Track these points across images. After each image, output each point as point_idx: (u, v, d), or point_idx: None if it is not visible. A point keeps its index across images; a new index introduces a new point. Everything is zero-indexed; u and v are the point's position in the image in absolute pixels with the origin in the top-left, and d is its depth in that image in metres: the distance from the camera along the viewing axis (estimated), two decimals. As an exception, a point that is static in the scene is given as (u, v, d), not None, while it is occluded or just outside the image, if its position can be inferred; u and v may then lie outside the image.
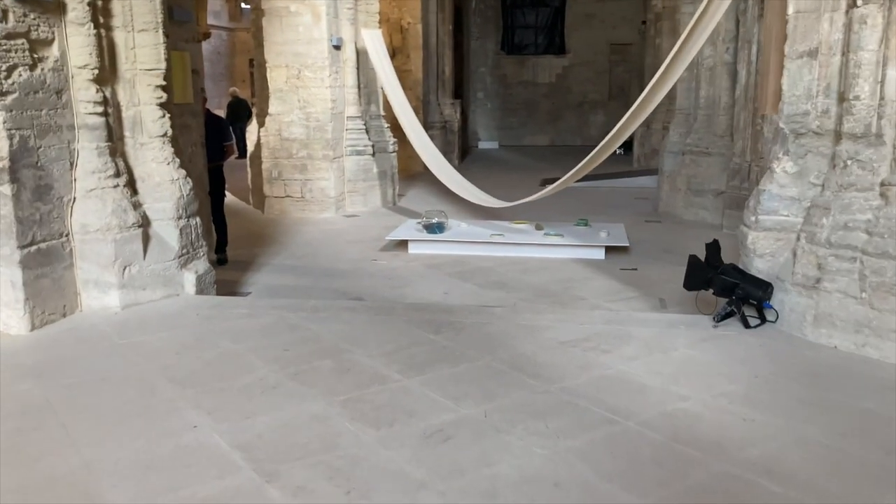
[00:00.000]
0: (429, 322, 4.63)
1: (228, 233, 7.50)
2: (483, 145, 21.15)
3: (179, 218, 5.34)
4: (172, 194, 5.31)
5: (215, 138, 7.27)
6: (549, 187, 7.69)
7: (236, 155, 12.15)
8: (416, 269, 7.08)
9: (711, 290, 4.66)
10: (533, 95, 21.62)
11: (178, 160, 5.43)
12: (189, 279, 5.35)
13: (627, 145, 18.59)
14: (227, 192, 7.78)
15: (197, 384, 3.74)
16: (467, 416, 3.36)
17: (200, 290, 5.42)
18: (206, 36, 17.64)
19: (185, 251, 5.37)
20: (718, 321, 4.56)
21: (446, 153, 10.03)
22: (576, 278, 6.68)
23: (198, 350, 4.21)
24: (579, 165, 7.09)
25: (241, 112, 17.11)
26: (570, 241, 7.55)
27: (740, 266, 4.74)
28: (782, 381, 3.72)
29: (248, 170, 10.81)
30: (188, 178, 5.47)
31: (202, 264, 5.53)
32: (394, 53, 12.77)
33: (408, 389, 3.66)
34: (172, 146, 5.42)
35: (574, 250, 7.47)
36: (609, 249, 7.48)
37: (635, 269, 6.98)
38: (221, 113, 18.99)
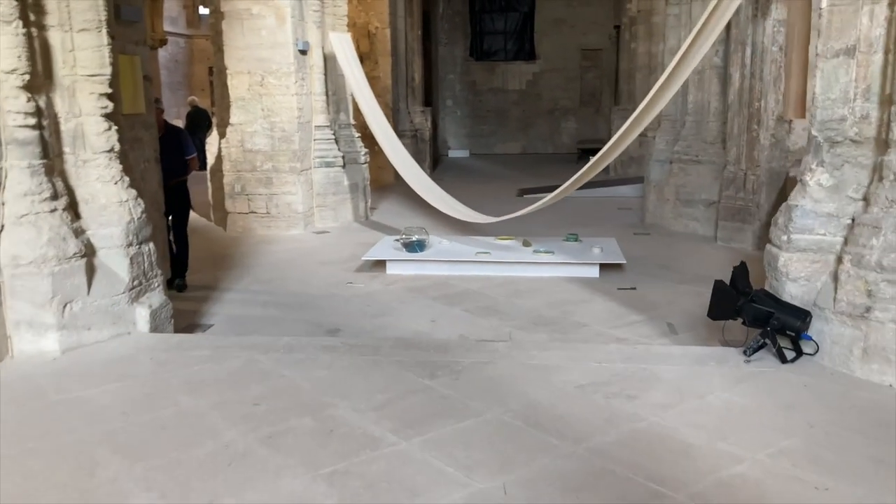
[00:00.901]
0: (422, 364, 4.01)
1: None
2: (453, 154, 20.57)
3: (130, 245, 4.65)
4: (121, 218, 4.62)
5: (177, 152, 6.59)
6: (545, 199, 7.10)
7: (198, 167, 11.34)
8: (396, 292, 6.46)
9: (741, 320, 4.12)
10: (503, 102, 21.12)
11: (127, 179, 4.74)
12: (142, 315, 4.66)
13: (601, 152, 18.23)
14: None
15: (147, 455, 3.07)
16: (483, 492, 2.75)
17: (155, 327, 4.73)
18: (163, 43, 16.89)
19: (136, 283, 4.68)
20: (750, 355, 4.02)
21: (418, 163, 9.44)
22: (572, 300, 6.12)
23: (150, 408, 3.53)
24: (575, 177, 6.59)
25: (200, 122, 16.31)
26: (563, 259, 6.99)
27: (769, 290, 4.22)
28: (845, 433, 3.18)
29: (209, 184, 10.07)
30: (139, 198, 4.78)
31: (157, 297, 4.84)
32: (361, 59, 12.10)
33: (406, 456, 3.04)
34: (121, 163, 4.74)
35: (566, 268, 6.92)
36: (603, 267, 6.94)
37: (634, 289, 6.44)
38: (180, 123, 18.20)
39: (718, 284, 4.20)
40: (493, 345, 4.36)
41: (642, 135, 13.53)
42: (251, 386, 3.78)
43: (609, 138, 18.01)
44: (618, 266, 7.00)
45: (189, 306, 6.01)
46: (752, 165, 7.89)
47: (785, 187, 7.81)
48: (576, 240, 7.59)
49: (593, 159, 6.40)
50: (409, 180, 8.54)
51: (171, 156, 6.46)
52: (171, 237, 6.65)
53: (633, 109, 14.91)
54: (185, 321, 5.60)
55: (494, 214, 8.53)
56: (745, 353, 4.04)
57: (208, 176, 10.13)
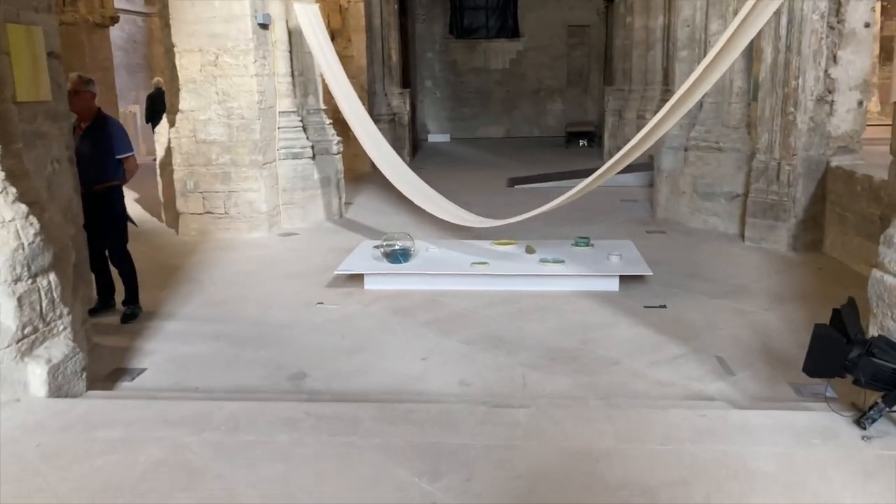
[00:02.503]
0: (417, 450, 2.86)
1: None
2: (433, 139, 19.35)
3: (17, 280, 3.44)
4: (4, 244, 3.41)
5: (107, 148, 5.34)
6: (563, 197, 5.95)
7: (152, 155, 9.99)
8: (377, 316, 5.30)
9: (852, 378, 3.02)
10: (485, 83, 19.89)
11: (13, 190, 3.51)
12: (36, 374, 3.45)
13: (592, 137, 17.09)
14: (130, 216, 5.74)
15: None
16: None
17: (57, 388, 3.53)
18: (114, 21, 15.41)
19: (28, 330, 3.48)
20: (868, 427, 2.94)
21: (396, 150, 8.26)
22: (592, 324, 5.02)
23: (13, 547, 2.37)
24: (602, 170, 5.58)
25: (161, 107, 14.85)
26: (576, 271, 5.85)
27: (885, 335, 3.13)
28: None
29: (159, 179, 8.81)
30: (31, 216, 3.55)
31: (60, 346, 3.64)
32: (333, 37, 10.84)
33: None
34: (5, 169, 3.52)
35: (580, 281, 5.80)
36: (622, 277, 5.83)
37: (664, 307, 5.35)
38: (139, 109, 16.70)
39: (820, 331, 3.08)
40: (511, 413, 3.21)
41: (638, 117, 12.58)
42: (173, 497, 2.61)
43: (601, 120, 16.90)
44: (638, 275, 5.90)
45: (119, 342, 4.84)
46: (787, 154, 6.82)
47: (825, 179, 6.75)
48: (587, 244, 6.46)
49: (624, 149, 5.27)
50: (388, 175, 7.36)
51: (96, 153, 5.25)
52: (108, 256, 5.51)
53: (630, 90, 13.92)
54: (112, 364, 4.46)
55: (484, 209, 7.41)
56: (860, 424, 2.95)
57: (158, 170, 8.87)
